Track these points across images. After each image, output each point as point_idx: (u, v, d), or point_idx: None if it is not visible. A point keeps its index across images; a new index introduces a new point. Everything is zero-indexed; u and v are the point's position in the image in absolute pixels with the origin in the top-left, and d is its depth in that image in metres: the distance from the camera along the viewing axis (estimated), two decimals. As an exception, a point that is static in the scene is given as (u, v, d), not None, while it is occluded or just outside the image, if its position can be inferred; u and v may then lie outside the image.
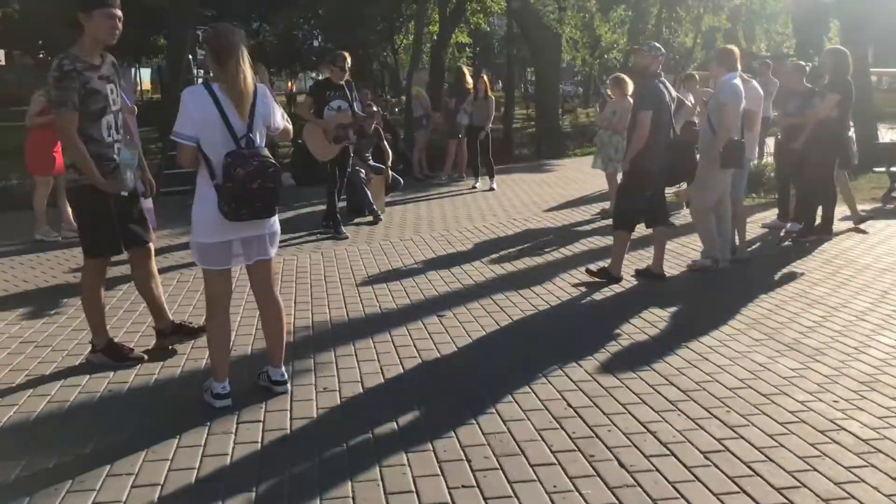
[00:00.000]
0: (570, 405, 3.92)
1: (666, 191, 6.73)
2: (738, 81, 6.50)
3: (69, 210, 8.33)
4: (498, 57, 42.49)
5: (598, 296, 6.05)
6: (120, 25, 4.22)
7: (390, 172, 10.15)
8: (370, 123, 9.75)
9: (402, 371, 4.42)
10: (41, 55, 29.36)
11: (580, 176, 13.59)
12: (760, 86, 8.60)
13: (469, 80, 12.47)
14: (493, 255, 7.45)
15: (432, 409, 3.89)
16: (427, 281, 6.48)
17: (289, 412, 3.86)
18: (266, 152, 3.80)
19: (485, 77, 12.51)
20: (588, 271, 6.53)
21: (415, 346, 4.83)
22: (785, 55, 29.61)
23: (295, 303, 5.84)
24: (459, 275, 6.71)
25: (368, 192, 9.48)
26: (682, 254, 7.49)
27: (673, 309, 5.66)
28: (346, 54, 8.27)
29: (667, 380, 4.26)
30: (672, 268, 6.91)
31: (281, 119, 3.98)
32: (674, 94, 6.40)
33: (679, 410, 3.86)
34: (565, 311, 5.66)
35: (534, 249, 7.75)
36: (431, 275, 6.70)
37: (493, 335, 5.08)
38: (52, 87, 4.13)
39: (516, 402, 3.96)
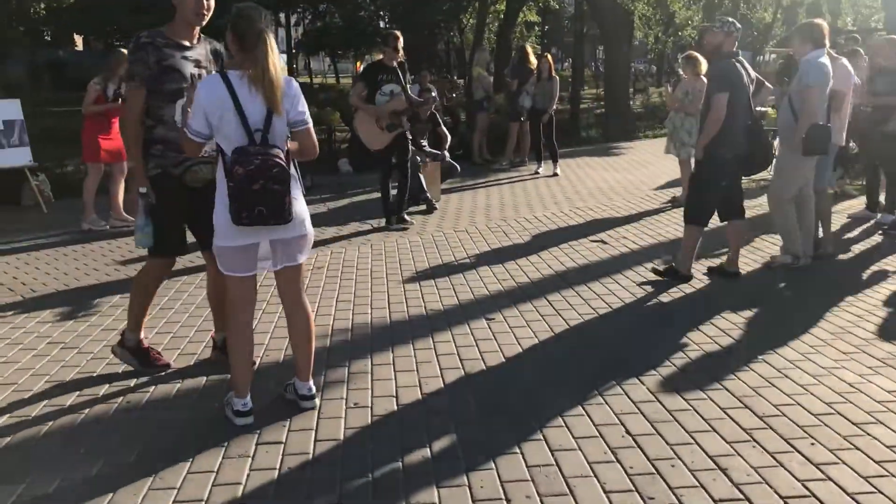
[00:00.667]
0: (628, 432, 3.45)
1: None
2: (825, 60, 5.85)
3: (120, 199, 8.19)
4: (568, 35, 41.47)
5: (664, 297, 5.52)
6: (209, 5, 3.91)
7: (448, 158, 9.71)
8: (426, 109, 9.33)
9: (442, 385, 4.01)
10: (115, 41, 29.76)
11: (650, 160, 12.93)
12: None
13: (533, 59, 11.93)
14: (552, 249, 6.97)
15: (471, 433, 3.48)
16: (478, 278, 6.06)
17: (314, 432, 3.50)
18: (275, 150, 3.39)
19: (549, 57, 11.93)
20: (654, 271, 6.01)
21: (458, 356, 4.42)
22: (873, 30, 27.99)
23: (337, 301, 5.49)
24: (514, 270, 6.26)
25: (423, 180, 9.08)
26: (760, 248, 6.88)
27: (748, 314, 5.10)
28: (398, 34, 7.84)
29: (741, 402, 3.74)
30: (748, 265, 6.32)
31: (305, 115, 3.55)
32: (753, 74, 5.79)
33: (755, 442, 3.35)
34: (627, 315, 5.16)
35: (596, 242, 7.24)
36: (483, 271, 6.27)
37: (546, 343, 4.63)
38: (128, 61, 3.94)
39: (567, 426, 3.51)
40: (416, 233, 7.75)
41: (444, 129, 9.93)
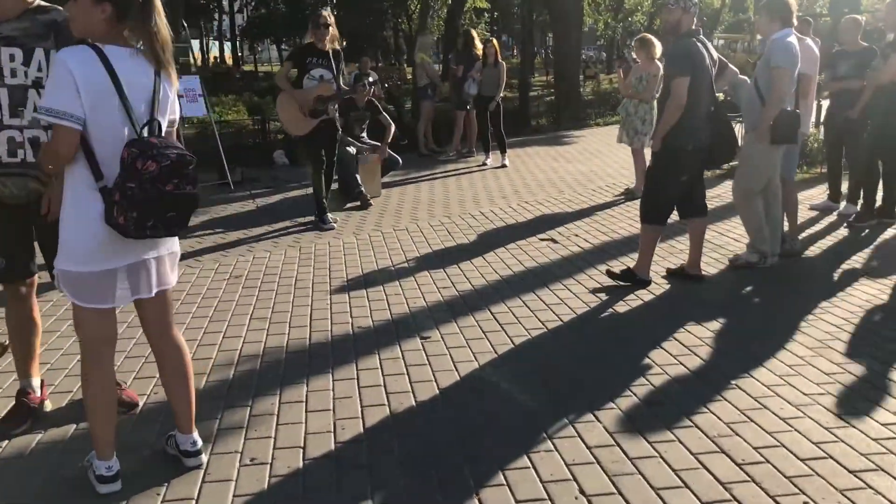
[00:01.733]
0: (582, 492, 2.82)
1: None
2: (793, 40, 5.30)
3: None
4: (518, 22, 40.93)
5: (621, 306, 4.93)
6: None
7: (387, 151, 9.02)
8: (363, 96, 8.64)
9: (362, 430, 3.33)
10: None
11: (602, 149, 12.40)
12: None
13: (478, 45, 11.28)
14: (498, 249, 6.35)
15: (392, 497, 2.82)
16: (415, 286, 5.40)
17: (194, 503, 2.81)
18: (180, 145, 2.76)
19: (494, 42, 11.29)
20: (609, 273, 5.42)
21: (384, 388, 3.75)
22: (819, 14, 27.97)
23: (250, 319, 4.78)
24: (456, 276, 5.62)
25: (358, 174, 8.37)
26: (722, 246, 6.34)
27: (716, 326, 4.53)
28: (326, 13, 7.14)
29: (715, 444, 3.14)
30: (710, 264, 5.78)
31: (178, 112, 2.92)
32: (715, 55, 5.22)
33: (736, 502, 2.75)
34: (580, 330, 4.55)
35: (546, 241, 6.64)
36: (422, 277, 5.62)
37: (487, 368, 3.99)
38: None
39: (509, 485, 2.87)
40: (352, 232, 7.06)
41: (387, 116, 9.17)
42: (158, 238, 2.75)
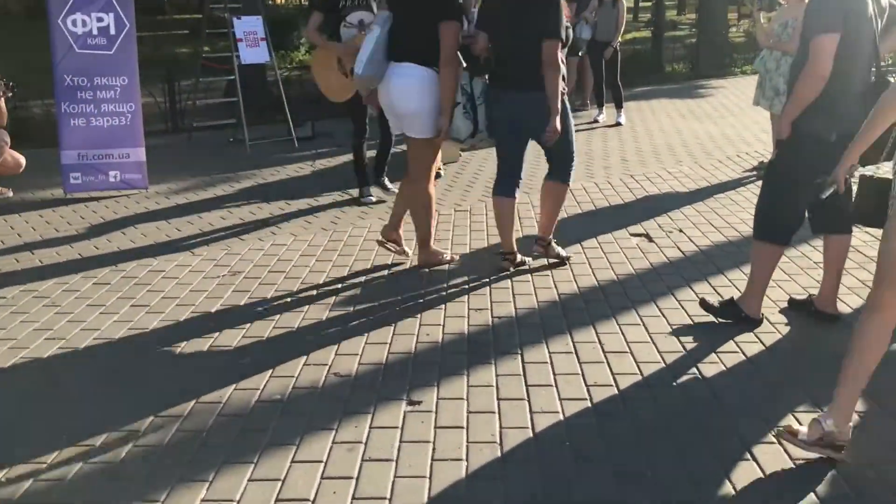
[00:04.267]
0: None
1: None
2: None
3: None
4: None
5: (709, 365, 3.44)
6: None
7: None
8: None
9: None
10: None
11: (742, 104, 10.47)
12: None
13: (594, -22, 9.59)
14: (572, 247, 4.94)
15: None
16: (440, 307, 4.10)
17: None
18: None
19: (612, -25, 9.55)
20: (703, 304, 3.92)
21: (308, 508, 2.54)
22: None
23: (182, 356, 3.68)
24: (499, 292, 4.29)
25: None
26: (861, 264, 4.66)
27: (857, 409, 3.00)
28: None
29: None
30: (849, 294, 4.17)
31: None
32: (884, 1, 3.52)
33: None
34: (643, 408, 3.11)
35: (638, 237, 5.19)
36: (454, 289, 4.32)
37: (474, 480, 2.67)
38: None
39: None
40: (379, 219, 5.82)
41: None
42: None
